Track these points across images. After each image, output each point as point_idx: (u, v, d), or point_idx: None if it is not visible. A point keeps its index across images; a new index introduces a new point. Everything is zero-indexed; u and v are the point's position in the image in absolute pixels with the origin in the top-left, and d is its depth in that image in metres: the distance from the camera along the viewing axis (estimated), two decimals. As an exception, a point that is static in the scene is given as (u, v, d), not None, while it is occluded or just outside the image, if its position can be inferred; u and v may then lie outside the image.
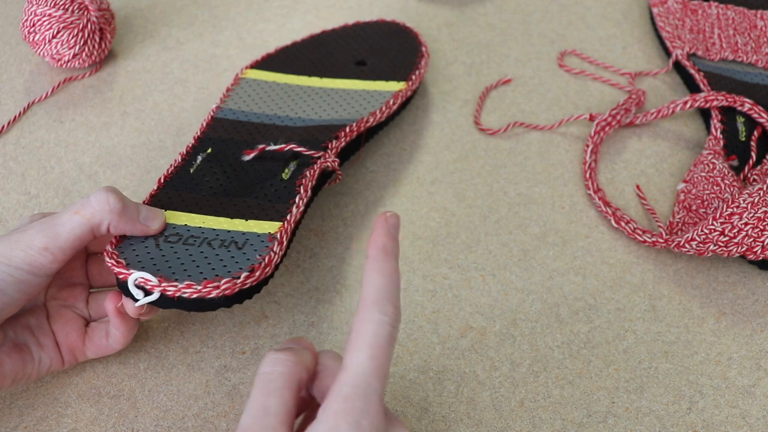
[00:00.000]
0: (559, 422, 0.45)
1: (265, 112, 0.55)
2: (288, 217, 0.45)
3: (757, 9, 0.70)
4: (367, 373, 0.34)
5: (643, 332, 0.49)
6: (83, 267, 0.46)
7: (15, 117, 0.60)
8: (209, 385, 0.46)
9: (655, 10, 0.70)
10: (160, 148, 0.59)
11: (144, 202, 0.46)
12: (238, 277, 0.40)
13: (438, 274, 0.52)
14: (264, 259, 0.42)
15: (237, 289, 0.40)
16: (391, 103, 0.56)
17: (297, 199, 0.46)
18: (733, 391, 0.47)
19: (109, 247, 0.42)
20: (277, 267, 0.43)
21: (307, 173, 0.48)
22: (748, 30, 0.68)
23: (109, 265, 0.41)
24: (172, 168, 0.49)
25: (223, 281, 0.40)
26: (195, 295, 0.40)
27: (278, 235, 0.43)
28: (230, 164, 0.49)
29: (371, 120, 0.54)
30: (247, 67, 0.60)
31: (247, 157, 0.49)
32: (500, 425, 0.45)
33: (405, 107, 0.60)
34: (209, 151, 0.50)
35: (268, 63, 0.60)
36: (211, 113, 0.54)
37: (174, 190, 0.47)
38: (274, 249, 0.42)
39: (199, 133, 0.52)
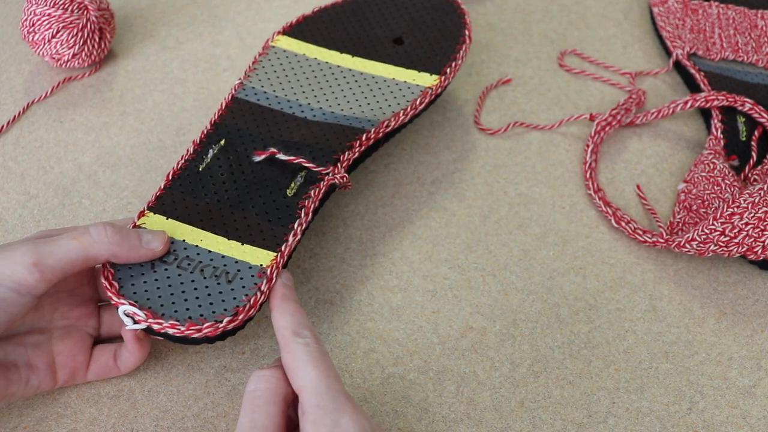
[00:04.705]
0: (560, 422, 0.45)
1: (287, 97, 0.53)
2: (282, 248, 0.45)
3: (758, 9, 0.70)
4: (321, 378, 0.36)
5: (643, 332, 0.49)
6: (92, 282, 0.45)
7: (14, 117, 0.60)
8: (209, 386, 0.46)
9: (655, 10, 0.70)
10: (159, 148, 0.59)
11: (148, 204, 0.46)
12: (221, 321, 0.41)
13: (438, 274, 0.52)
14: (249, 301, 0.42)
15: (219, 332, 0.42)
16: (417, 102, 0.53)
17: (296, 225, 0.46)
18: (734, 392, 0.47)
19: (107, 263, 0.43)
20: (261, 306, 0.43)
21: (312, 193, 0.47)
22: (749, 30, 0.68)
23: (104, 284, 0.42)
24: (183, 162, 0.49)
25: (206, 325, 0.41)
26: (178, 334, 0.41)
27: (268, 271, 0.43)
28: (239, 164, 0.49)
29: (393, 123, 0.52)
30: (279, 32, 0.58)
31: (257, 158, 0.49)
32: (500, 425, 0.45)
33: (431, 105, 0.57)
34: (222, 143, 0.50)
35: (301, 28, 0.58)
36: (233, 91, 0.53)
37: (179, 192, 0.47)
38: (262, 288, 0.43)
39: (216, 117, 0.51)
